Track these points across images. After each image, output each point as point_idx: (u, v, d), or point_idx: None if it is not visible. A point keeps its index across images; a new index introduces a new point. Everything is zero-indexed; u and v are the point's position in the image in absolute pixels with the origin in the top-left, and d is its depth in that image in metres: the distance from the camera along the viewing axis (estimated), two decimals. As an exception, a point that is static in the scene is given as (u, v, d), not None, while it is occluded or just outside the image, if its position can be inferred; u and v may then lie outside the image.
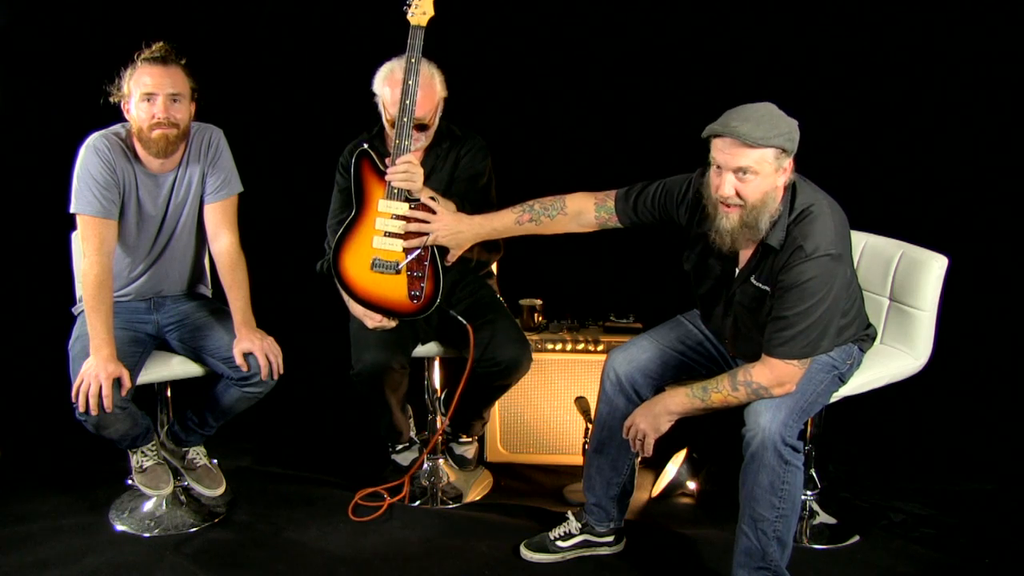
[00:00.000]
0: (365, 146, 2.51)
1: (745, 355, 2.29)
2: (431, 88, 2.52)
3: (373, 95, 2.59)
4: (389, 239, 2.48)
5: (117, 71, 2.40)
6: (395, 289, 2.52)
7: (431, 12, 2.37)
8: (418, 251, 2.46)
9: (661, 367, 2.40)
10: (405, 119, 2.41)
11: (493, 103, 3.25)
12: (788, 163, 2.06)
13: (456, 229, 2.43)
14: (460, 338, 2.66)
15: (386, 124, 2.57)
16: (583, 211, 2.38)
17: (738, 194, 2.05)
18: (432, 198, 2.45)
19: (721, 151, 2.04)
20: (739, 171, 2.03)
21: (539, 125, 3.56)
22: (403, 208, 2.45)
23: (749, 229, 2.08)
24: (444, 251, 2.49)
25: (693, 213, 2.25)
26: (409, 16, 2.38)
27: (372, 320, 2.58)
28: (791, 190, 2.11)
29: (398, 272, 2.49)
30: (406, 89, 2.40)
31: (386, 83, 2.53)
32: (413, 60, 2.38)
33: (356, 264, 2.53)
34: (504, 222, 2.42)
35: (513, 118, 3.46)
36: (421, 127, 2.53)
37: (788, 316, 2.07)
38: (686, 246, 2.33)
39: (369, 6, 3.49)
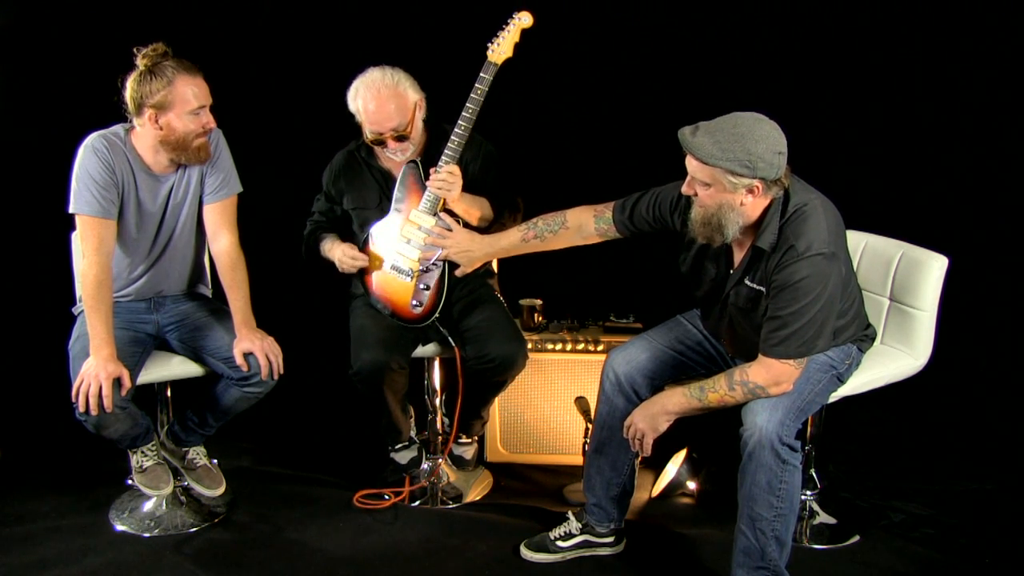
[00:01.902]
0: (416, 160, 2.64)
1: (744, 356, 2.29)
2: (400, 97, 2.55)
3: (352, 115, 2.62)
4: (409, 247, 2.60)
5: (146, 79, 2.34)
6: (401, 294, 2.64)
7: (509, 54, 2.50)
8: (431, 263, 2.59)
9: (660, 367, 2.41)
10: (455, 142, 2.52)
11: (501, 114, 3.25)
12: (756, 185, 2.04)
13: (467, 247, 2.55)
14: (457, 341, 2.69)
15: (367, 140, 2.63)
16: (583, 224, 2.44)
17: (696, 193, 2.11)
18: (457, 220, 2.58)
19: (687, 155, 2.09)
20: (694, 178, 2.09)
21: (546, 136, 3.58)
22: (430, 222, 2.57)
23: (710, 228, 2.11)
24: (455, 266, 2.60)
25: (686, 217, 2.25)
26: (489, 52, 2.50)
27: (340, 258, 2.64)
28: (783, 193, 2.11)
29: (410, 278, 2.60)
30: (464, 115, 2.50)
31: (358, 98, 2.57)
32: (480, 91, 2.49)
33: (375, 261, 2.66)
34: (511, 240, 2.51)
35: (521, 129, 3.46)
36: (400, 138, 2.58)
37: (782, 316, 2.07)
38: (682, 249, 2.35)
39: (369, 7, 3.51)
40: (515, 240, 2.50)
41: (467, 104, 2.50)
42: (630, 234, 2.42)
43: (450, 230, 2.56)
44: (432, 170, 2.56)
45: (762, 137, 2.00)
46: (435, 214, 2.58)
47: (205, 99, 2.40)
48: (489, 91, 2.50)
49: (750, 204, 2.07)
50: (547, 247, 2.49)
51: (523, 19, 2.50)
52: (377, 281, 2.66)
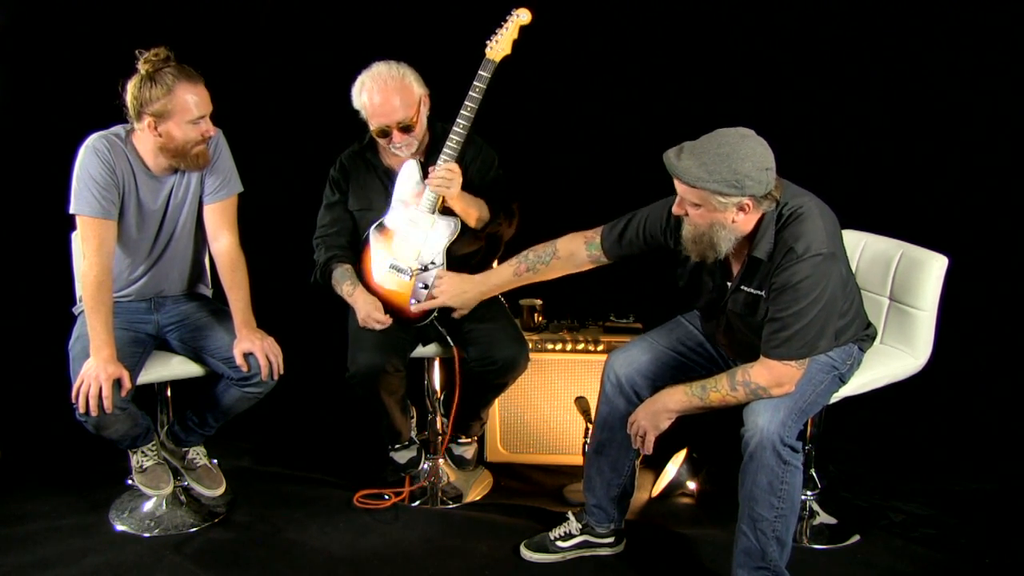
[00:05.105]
0: (417, 159, 2.63)
1: (743, 359, 2.28)
2: (406, 90, 2.54)
3: (356, 112, 2.61)
4: (408, 245, 2.62)
5: (146, 85, 2.31)
6: (399, 292, 2.63)
7: (508, 52, 2.50)
8: (428, 291, 2.59)
9: (661, 368, 2.41)
10: (454, 140, 2.52)
11: (499, 113, 3.26)
12: (746, 203, 2.03)
13: (461, 289, 2.56)
14: (459, 341, 2.69)
15: (373, 134, 2.62)
16: (574, 252, 2.44)
17: (687, 213, 2.10)
18: (438, 276, 2.58)
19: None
20: (683, 199, 2.09)
21: (545, 136, 3.58)
22: (430, 220, 2.59)
23: (702, 245, 2.11)
24: (454, 271, 2.61)
25: (679, 235, 2.25)
26: (488, 50, 2.49)
27: (364, 315, 2.58)
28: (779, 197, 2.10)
29: (408, 277, 2.61)
30: (463, 113, 2.50)
31: (364, 91, 2.55)
32: (479, 88, 2.49)
33: (376, 258, 2.66)
34: (504, 276, 2.53)
35: (520, 129, 3.46)
36: (406, 128, 2.57)
37: (783, 317, 2.07)
38: (678, 264, 2.34)
39: (368, 6, 3.50)
40: (507, 276, 2.51)
41: (466, 103, 2.49)
42: (619, 259, 2.41)
43: (440, 277, 2.56)
44: (431, 168, 2.55)
45: (748, 155, 1.99)
46: (434, 212, 2.57)
47: (205, 108, 2.38)
48: (488, 89, 2.49)
49: (742, 220, 2.07)
50: (540, 278, 2.50)
51: (521, 16, 2.49)
52: (376, 279, 2.66)
